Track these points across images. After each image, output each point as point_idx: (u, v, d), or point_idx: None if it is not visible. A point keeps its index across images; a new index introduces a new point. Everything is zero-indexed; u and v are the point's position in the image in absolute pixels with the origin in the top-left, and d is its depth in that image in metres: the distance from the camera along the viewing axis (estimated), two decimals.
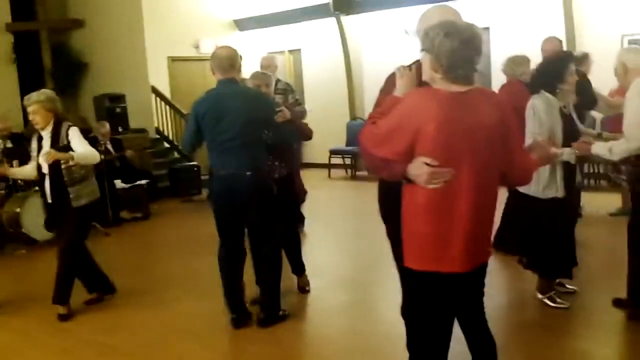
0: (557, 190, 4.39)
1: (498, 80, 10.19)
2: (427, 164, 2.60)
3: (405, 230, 2.80)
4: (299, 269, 5.49)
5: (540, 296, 4.73)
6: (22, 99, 10.38)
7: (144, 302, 5.45)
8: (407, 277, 2.91)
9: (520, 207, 5.03)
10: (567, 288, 4.90)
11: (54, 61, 12.58)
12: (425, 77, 2.77)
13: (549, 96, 4.34)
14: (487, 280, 2.96)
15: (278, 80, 7.23)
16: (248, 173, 4.44)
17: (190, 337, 4.57)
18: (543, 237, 4.59)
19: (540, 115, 4.29)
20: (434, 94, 2.66)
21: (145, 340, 4.60)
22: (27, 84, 12.31)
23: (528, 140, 4.16)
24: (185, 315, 5.06)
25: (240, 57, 4.78)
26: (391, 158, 2.70)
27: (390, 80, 2.88)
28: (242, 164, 4.44)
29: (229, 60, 4.50)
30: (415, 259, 2.77)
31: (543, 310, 4.64)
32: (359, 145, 2.87)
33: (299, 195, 5.52)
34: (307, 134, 5.35)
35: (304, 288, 5.49)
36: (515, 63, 5.83)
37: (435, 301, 2.82)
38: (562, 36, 8.86)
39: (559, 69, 4.36)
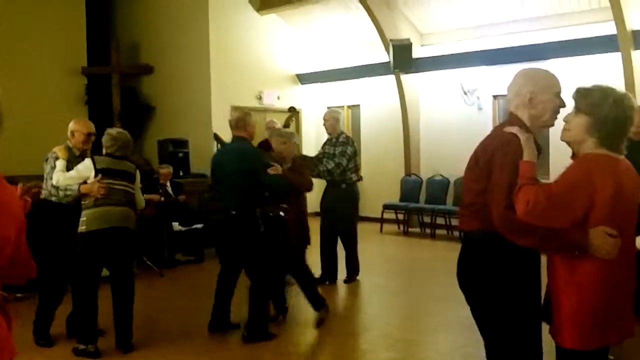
0: None
1: (555, 144, 10.11)
2: (608, 234, 2.54)
3: (576, 308, 2.61)
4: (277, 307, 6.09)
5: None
6: None
7: (183, 343, 5.57)
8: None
9: None
10: None
11: (123, 104, 13.10)
12: (569, 137, 2.74)
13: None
14: None
15: (341, 133, 7.55)
16: (233, 212, 5.48)
17: None
18: None
19: None
20: (607, 159, 2.63)
21: None
22: (97, 125, 12.83)
23: None
24: (224, 358, 5.15)
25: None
26: (562, 227, 2.58)
27: (514, 147, 2.70)
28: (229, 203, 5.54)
29: (234, 122, 5.69)
30: (587, 338, 2.61)
31: None
32: (506, 221, 2.64)
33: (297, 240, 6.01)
34: (299, 188, 5.95)
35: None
36: None
37: None
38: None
39: None
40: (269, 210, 5.87)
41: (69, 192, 5.20)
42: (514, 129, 2.75)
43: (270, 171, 5.55)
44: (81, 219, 5.09)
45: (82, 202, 5.14)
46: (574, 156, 2.79)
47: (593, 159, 2.63)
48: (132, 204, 5.36)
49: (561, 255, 2.65)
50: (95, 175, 5.12)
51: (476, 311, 2.95)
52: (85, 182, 5.14)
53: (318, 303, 5.95)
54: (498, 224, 2.67)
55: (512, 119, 2.89)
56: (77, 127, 5.56)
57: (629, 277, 2.70)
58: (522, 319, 2.78)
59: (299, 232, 5.96)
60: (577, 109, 2.70)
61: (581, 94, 2.71)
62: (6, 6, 11.74)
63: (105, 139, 5.37)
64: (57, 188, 5.24)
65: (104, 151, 5.36)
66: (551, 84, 2.88)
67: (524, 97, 2.84)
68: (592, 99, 2.65)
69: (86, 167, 5.19)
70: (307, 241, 6.22)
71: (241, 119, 5.69)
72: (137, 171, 5.52)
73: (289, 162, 6.00)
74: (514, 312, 2.78)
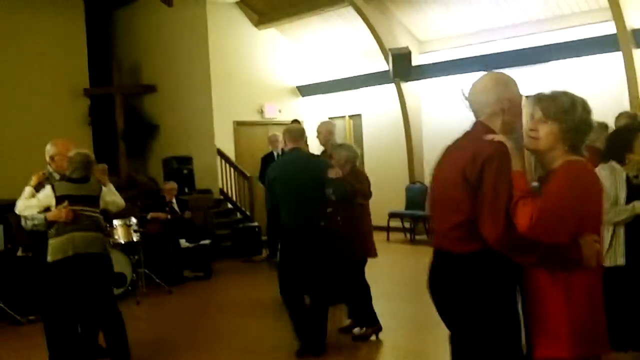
0: (617, 259, 4.17)
1: None
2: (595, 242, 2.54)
3: (570, 318, 2.55)
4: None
5: None
6: (95, 158, 10.93)
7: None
8: None
9: None
10: None
11: (127, 124, 13.17)
12: (539, 146, 2.66)
13: (615, 165, 4.23)
14: None
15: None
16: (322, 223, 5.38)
17: None
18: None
19: (604, 182, 4.07)
20: (589, 165, 2.62)
21: None
22: (101, 145, 12.96)
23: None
24: None
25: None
26: (563, 242, 2.50)
27: (506, 158, 2.58)
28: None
29: (294, 134, 5.54)
30: (581, 346, 2.57)
31: None
32: (508, 240, 2.52)
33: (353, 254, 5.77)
34: (356, 194, 5.69)
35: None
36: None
37: None
38: (625, 97, 8.79)
39: (628, 138, 4.27)
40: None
41: (36, 222, 5.05)
42: (499, 137, 2.64)
43: (331, 173, 5.41)
44: (48, 249, 4.93)
45: (48, 231, 4.98)
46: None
47: (580, 166, 2.58)
48: (100, 227, 5.16)
49: (550, 271, 2.57)
50: (57, 203, 4.95)
51: (464, 333, 2.79)
52: (48, 210, 4.99)
53: (371, 319, 5.82)
54: (498, 244, 2.54)
55: (482, 128, 2.76)
56: (57, 150, 5.31)
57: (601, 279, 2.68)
58: (510, 339, 2.69)
59: (354, 243, 5.72)
60: (546, 117, 2.62)
61: (548, 101, 2.64)
62: (7, 31, 11.83)
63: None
64: (25, 218, 5.09)
65: (65, 174, 5.17)
66: (518, 89, 2.79)
67: (502, 105, 2.72)
68: (561, 106, 2.60)
69: (47, 196, 5.02)
70: (365, 253, 5.91)
71: (302, 131, 5.68)
72: (103, 188, 5.29)
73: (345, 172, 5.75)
74: (505, 333, 2.68)
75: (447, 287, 2.77)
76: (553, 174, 2.60)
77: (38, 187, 5.16)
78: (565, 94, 2.64)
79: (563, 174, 2.55)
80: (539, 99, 2.67)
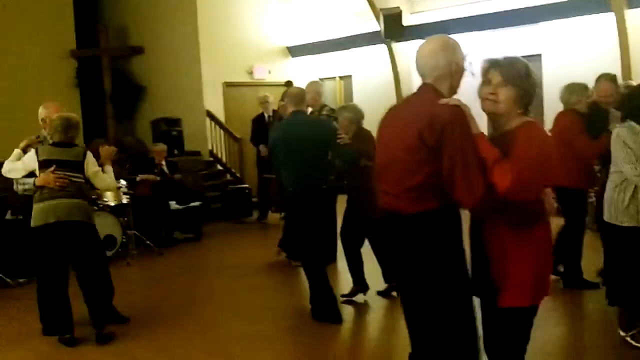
0: (637, 219, 4.11)
1: (550, 108, 10.26)
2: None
3: (533, 271, 2.76)
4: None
5: (622, 334, 4.34)
6: (83, 120, 10.75)
7: (186, 323, 5.51)
8: (521, 317, 2.82)
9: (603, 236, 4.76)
10: None
11: (114, 86, 13.00)
12: (500, 109, 2.78)
13: (634, 124, 4.16)
14: None
15: (324, 106, 7.27)
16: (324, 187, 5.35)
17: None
18: (624, 268, 4.28)
19: (627, 142, 4.11)
20: (543, 127, 2.86)
21: None
22: (89, 107, 12.81)
23: (626, 168, 4.08)
24: (226, 338, 5.13)
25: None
26: (532, 198, 2.71)
27: (466, 120, 2.66)
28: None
29: (294, 96, 5.45)
30: (540, 292, 2.85)
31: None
32: (488, 202, 2.61)
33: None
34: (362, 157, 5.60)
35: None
36: (570, 91, 5.54)
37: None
38: (617, 59, 8.75)
39: None
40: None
41: (26, 186, 5.01)
42: (454, 101, 2.71)
43: (339, 141, 5.34)
44: (32, 213, 4.90)
45: (33, 196, 4.93)
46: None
47: (539, 127, 2.79)
48: (83, 194, 5.04)
49: (514, 228, 2.74)
50: (40, 167, 4.88)
51: (420, 290, 2.84)
52: (32, 174, 4.93)
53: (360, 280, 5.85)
54: (479, 206, 2.65)
55: (431, 90, 2.81)
56: (48, 112, 5.26)
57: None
58: (463, 289, 2.84)
59: (364, 204, 5.60)
60: (506, 81, 2.74)
61: (507, 66, 2.76)
62: None
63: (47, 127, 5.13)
64: (16, 181, 5.06)
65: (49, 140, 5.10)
66: (462, 53, 2.87)
67: (450, 68, 2.79)
68: (518, 71, 2.74)
69: (31, 159, 4.97)
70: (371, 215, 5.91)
71: (303, 94, 5.57)
72: (89, 153, 5.10)
73: (350, 134, 5.67)
74: (459, 285, 2.82)
75: (397, 246, 2.87)
76: (513, 135, 2.72)
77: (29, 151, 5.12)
78: (518, 59, 2.80)
79: (526, 135, 2.69)
80: (498, 64, 2.79)
